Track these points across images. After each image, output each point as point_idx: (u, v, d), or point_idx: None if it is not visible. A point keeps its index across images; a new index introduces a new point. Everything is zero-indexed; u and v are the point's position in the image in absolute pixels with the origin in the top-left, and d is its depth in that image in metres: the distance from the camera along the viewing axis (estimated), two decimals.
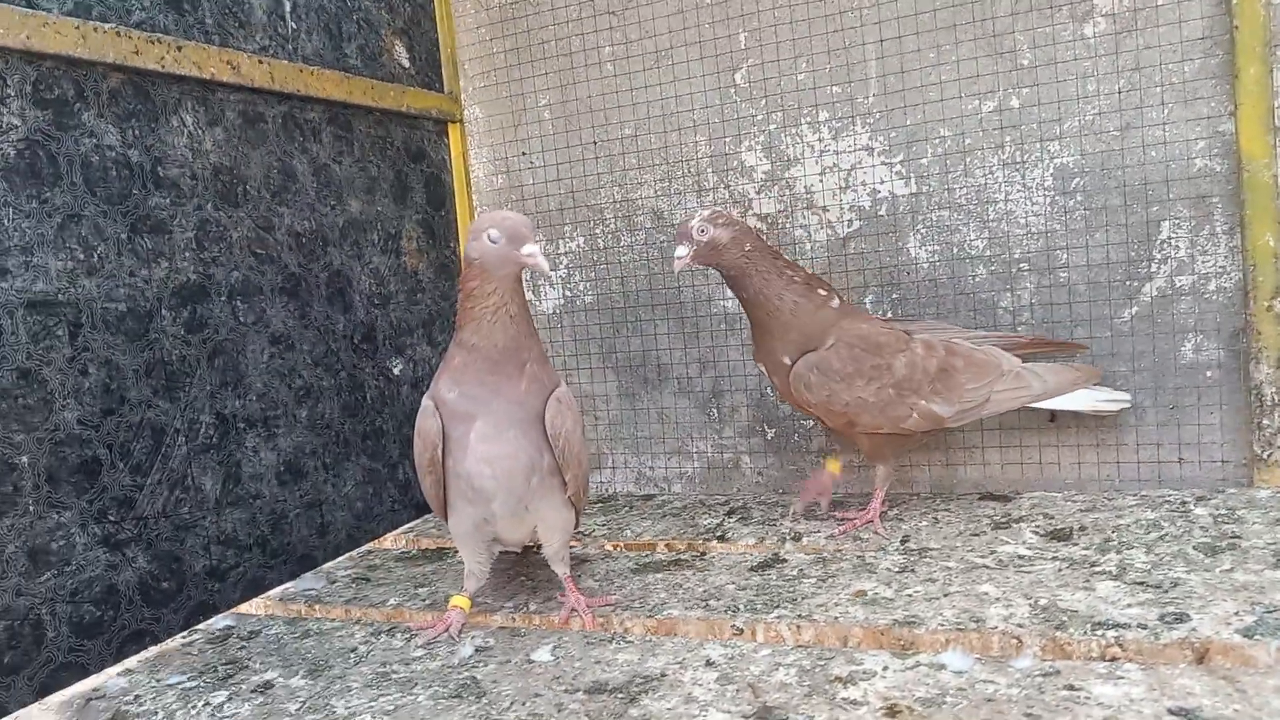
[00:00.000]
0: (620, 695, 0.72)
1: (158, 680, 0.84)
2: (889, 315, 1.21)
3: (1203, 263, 1.08)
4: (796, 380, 1.02)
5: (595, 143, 1.37)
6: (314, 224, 1.15)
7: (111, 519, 0.89)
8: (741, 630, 0.83)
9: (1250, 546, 0.87)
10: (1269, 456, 1.05)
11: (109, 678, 0.86)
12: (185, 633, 0.95)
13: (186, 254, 0.98)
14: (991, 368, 1.02)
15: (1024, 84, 1.14)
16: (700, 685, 0.72)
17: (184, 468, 0.97)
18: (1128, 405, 1.09)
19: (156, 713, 0.77)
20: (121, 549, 0.90)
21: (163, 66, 0.95)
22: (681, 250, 1.00)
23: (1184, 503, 1.02)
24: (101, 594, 0.88)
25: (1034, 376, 1.03)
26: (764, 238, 1.06)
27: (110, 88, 0.92)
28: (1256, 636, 0.69)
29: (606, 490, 1.42)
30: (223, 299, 1.02)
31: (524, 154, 1.41)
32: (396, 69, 1.30)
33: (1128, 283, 1.11)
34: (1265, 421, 1.05)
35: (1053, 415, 1.16)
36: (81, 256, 0.88)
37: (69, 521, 0.86)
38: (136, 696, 0.81)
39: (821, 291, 1.03)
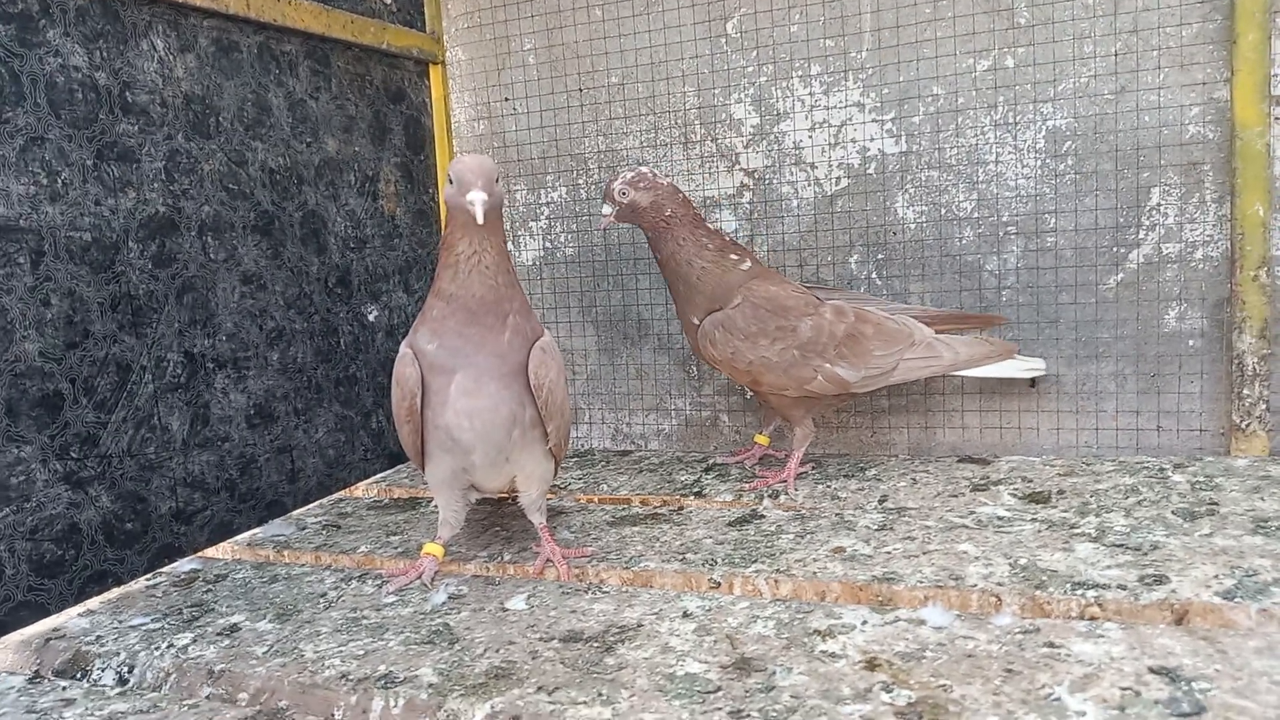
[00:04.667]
0: (596, 644, 0.71)
1: (120, 621, 0.82)
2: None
3: (1190, 231, 1.08)
4: (703, 338, 1.05)
5: (581, 90, 1.33)
6: (289, 161, 1.11)
7: (74, 456, 0.86)
8: (719, 583, 0.82)
9: (1229, 513, 0.87)
10: (1247, 426, 1.05)
11: (69, 618, 0.83)
12: (149, 575, 0.93)
13: (155, 185, 0.95)
14: (902, 336, 1.03)
15: (1020, 43, 1.12)
16: (678, 636, 0.71)
17: (150, 406, 0.94)
18: (1041, 372, 1.09)
19: (118, 653, 0.75)
20: (84, 487, 0.87)
21: None
22: (606, 209, 1.06)
23: (1162, 469, 1.02)
24: (63, 532, 0.85)
25: (945, 348, 1.04)
26: (690, 203, 1.06)
27: (77, 5, 0.87)
28: (1236, 599, 0.69)
29: (583, 446, 1.41)
30: (193, 234, 0.99)
31: (507, 99, 1.38)
32: (377, 4, 1.26)
33: (1115, 249, 1.11)
34: (1245, 391, 1.05)
35: (1033, 381, 1.16)
36: (44, 181, 0.84)
37: (29, 457, 0.83)
38: (98, 637, 0.78)
39: (734, 256, 1.06)
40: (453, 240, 0.80)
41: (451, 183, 0.78)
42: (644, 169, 1.05)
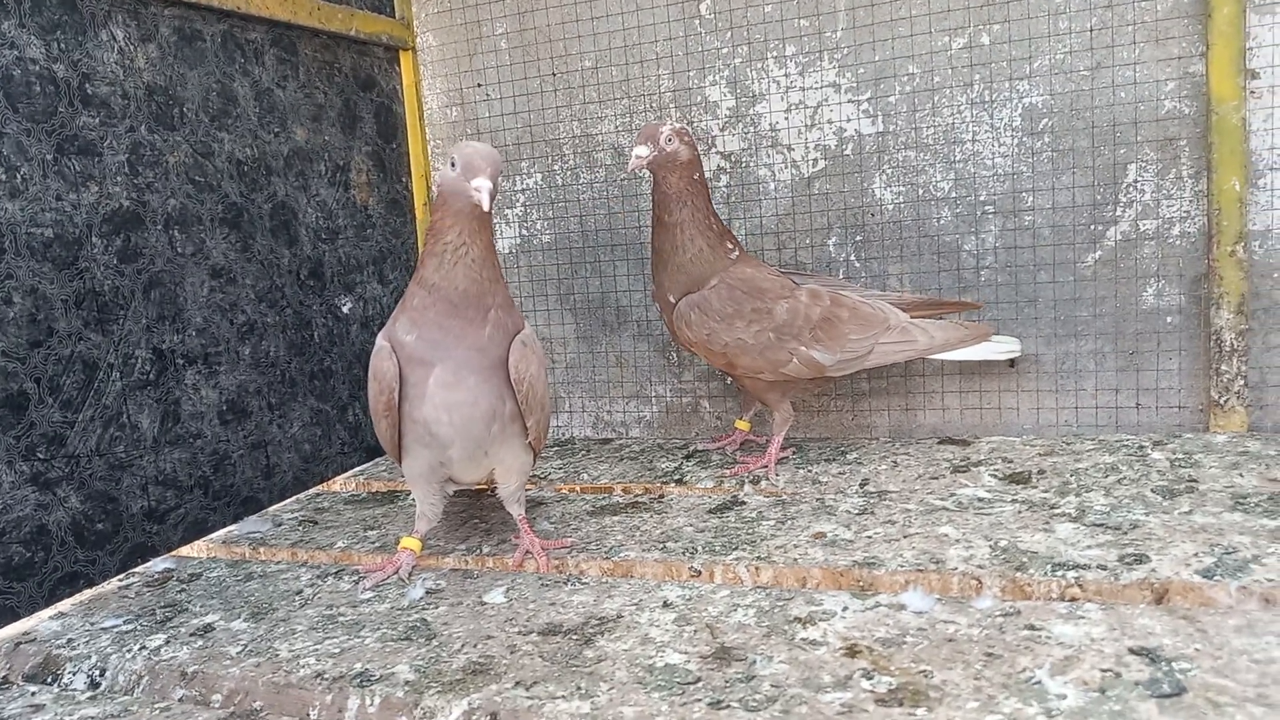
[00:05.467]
0: (575, 636, 0.70)
1: (92, 624, 0.80)
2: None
3: (1167, 207, 1.07)
4: (678, 319, 1.04)
5: (554, 75, 1.32)
6: (256, 151, 1.09)
7: (41, 456, 0.85)
8: (699, 572, 0.81)
9: (1208, 490, 0.87)
10: (1225, 402, 1.05)
11: (40, 621, 0.82)
12: (122, 575, 0.92)
13: (118, 178, 0.93)
14: (878, 321, 1.03)
15: (995, 20, 1.11)
16: (657, 626, 0.71)
17: (119, 404, 0.92)
18: (1017, 353, 1.08)
19: (90, 656, 0.74)
20: (52, 488, 0.86)
21: None
22: (643, 150, 1.01)
23: (1141, 447, 1.02)
24: (31, 534, 0.84)
25: (921, 332, 1.04)
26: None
27: None
28: (1216, 577, 0.69)
29: (563, 434, 1.40)
30: (159, 228, 0.97)
31: (479, 85, 1.36)
32: None
33: (1092, 226, 1.10)
34: (1224, 367, 1.05)
35: (1012, 361, 1.15)
36: (3, 177, 0.82)
37: None
38: (69, 640, 0.77)
39: (729, 244, 1.06)
40: (442, 227, 0.78)
41: (454, 167, 0.77)
42: (686, 125, 1.04)
